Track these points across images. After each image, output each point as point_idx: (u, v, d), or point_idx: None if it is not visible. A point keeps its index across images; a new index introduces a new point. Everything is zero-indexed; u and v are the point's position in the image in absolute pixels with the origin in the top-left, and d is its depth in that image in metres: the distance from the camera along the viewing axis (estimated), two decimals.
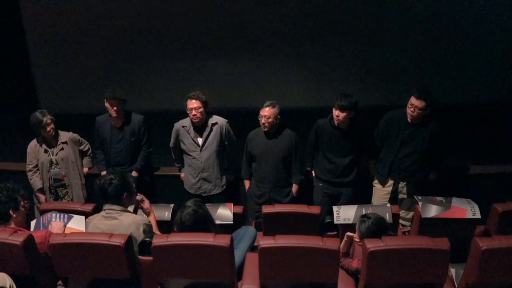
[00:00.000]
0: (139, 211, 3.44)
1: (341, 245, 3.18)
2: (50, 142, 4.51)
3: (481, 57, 6.14)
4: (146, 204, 3.37)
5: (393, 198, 4.34)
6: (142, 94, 6.33)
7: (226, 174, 4.53)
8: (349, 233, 3.21)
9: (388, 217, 3.54)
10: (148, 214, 3.37)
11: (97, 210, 3.43)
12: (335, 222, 3.63)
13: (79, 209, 3.50)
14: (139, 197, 3.36)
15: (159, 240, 2.75)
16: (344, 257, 3.22)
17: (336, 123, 4.13)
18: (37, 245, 2.86)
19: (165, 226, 3.43)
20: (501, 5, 6.00)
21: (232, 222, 3.69)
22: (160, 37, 6.36)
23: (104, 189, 3.12)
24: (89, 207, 3.53)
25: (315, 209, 3.57)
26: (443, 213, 3.48)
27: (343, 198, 4.33)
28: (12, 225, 3.00)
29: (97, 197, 3.32)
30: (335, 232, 3.74)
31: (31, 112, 4.45)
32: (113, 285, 2.93)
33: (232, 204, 3.85)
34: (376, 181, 4.45)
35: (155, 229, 3.27)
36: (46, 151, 4.50)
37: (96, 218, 3.16)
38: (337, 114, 4.06)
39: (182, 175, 4.64)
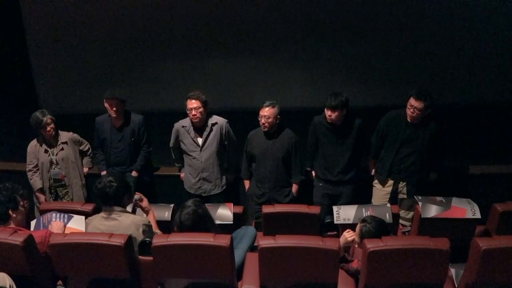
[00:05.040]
0: (138, 210, 3.44)
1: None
2: (50, 142, 4.51)
3: (481, 57, 6.14)
4: (145, 202, 3.37)
5: (393, 198, 4.35)
6: (142, 94, 6.33)
7: (226, 174, 4.53)
8: (349, 231, 3.19)
9: (388, 217, 3.54)
10: (147, 212, 3.37)
11: (97, 210, 3.44)
12: (335, 222, 3.62)
13: (79, 209, 3.51)
14: (137, 196, 3.36)
15: (159, 240, 2.75)
16: (343, 262, 3.18)
17: (329, 121, 4.16)
18: (37, 245, 2.86)
19: (165, 226, 3.43)
20: (501, 5, 6.00)
21: (232, 222, 3.69)
22: (160, 37, 6.35)
23: (105, 193, 3.11)
24: (89, 207, 3.53)
25: (315, 209, 3.57)
26: (443, 213, 3.48)
27: (343, 198, 4.33)
28: (12, 225, 3.01)
29: (97, 200, 3.32)
30: (335, 232, 3.74)
31: (31, 112, 4.45)
32: (113, 285, 2.93)
33: (232, 204, 3.85)
34: (376, 181, 4.45)
35: (154, 227, 3.27)
36: (46, 151, 4.50)
37: (96, 219, 3.16)
38: (329, 114, 4.10)
39: (182, 175, 4.64)
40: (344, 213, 3.63)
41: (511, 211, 3.41)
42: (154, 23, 6.27)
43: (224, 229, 3.45)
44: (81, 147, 4.69)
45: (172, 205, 3.74)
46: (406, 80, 6.00)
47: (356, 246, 3.17)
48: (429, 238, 2.70)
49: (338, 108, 4.05)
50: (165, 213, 3.65)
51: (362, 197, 4.42)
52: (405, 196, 4.32)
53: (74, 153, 4.57)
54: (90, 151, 4.77)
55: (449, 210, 3.49)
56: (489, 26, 6.03)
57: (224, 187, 4.52)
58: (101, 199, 3.16)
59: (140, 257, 2.94)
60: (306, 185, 4.50)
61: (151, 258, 2.82)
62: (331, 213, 3.72)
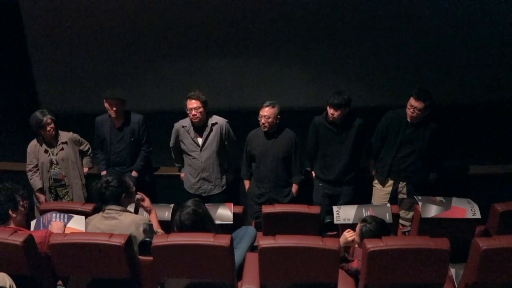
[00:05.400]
0: (140, 209, 3.45)
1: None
2: (50, 142, 4.51)
3: (481, 57, 6.13)
4: (147, 202, 3.37)
5: (393, 198, 4.35)
6: (142, 94, 6.33)
7: (226, 174, 4.53)
8: (349, 231, 3.19)
9: (388, 217, 3.54)
10: (149, 212, 3.37)
11: (97, 210, 3.44)
12: (335, 222, 3.62)
13: (79, 209, 3.51)
14: (139, 195, 3.36)
15: (159, 240, 2.75)
16: (343, 261, 3.19)
17: (331, 120, 4.16)
18: (37, 245, 2.86)
19: (165, 226, 3.43)
20: (500, 5, 6.00)
21: (232, 222, 3.69)
22: (160, 37, 6.35)
23: (102, 193, 3.12)
24: (89, 207, 3.53)
25: (315, 209, 3.57)
26: (443, 213, 3.48)
27: (343, 198, 4.33)
28: (12, 225, 3.01)
29: (96, 200, 3.33)
30: (335, 232, 3.75)
31: (31, 112, 4.45)
32: (113, 285, 2.93)
33: (232, 204, 3.85)
34: (376, 181, 4.45)
35: (156, 227, 3.27)
36: (46, 151, 4.50)
37: (96, 218, 3.16)
38: (332, 113, 4.10)
39: (182, 175, 4.64)
40: (344, 213, 3.63)
41: (511, 211, 3.41)
42: (154, 23, 6.27)
43: (224, 229, 3.46)
44: (81, 147, 4.69)
45: (172, 205, 3.74)
46: (406, 80, 6.00)
47: (356, 246, 3.17)
48: (429, 238, 2.70)
49: (341, 106, 4.05)
50: (165, 213, 3.65)
51: (362, 197, 4.42)
52: (405, 196, 4.32)
53: (74, 153, 4.57)
54: (90, 151, 4.76)
55: (449, 210, 3.49)
56: (489, 26, 6.03)
57: (224, 187, 4.52)
58: (99, 198, 3.17)
59: (140, 257, 2.93)
60: (306, 185, 4.50)
61: (151, 258, 2.82)
62: (331, 213, 3.73)
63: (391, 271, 2.71)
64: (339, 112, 4.07)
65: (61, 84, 6.62)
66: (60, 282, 3.09)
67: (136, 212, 3.44)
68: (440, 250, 2.65)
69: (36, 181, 4.53)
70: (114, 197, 3.13)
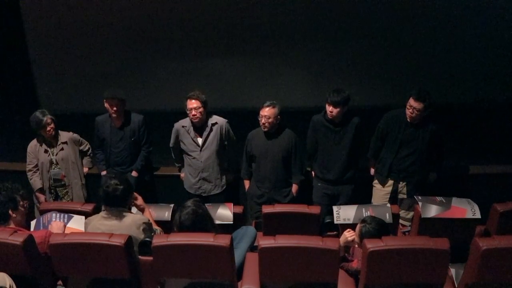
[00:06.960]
0: (133, 208, 3.44)
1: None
2: (50, 142, 4.51)
3: (481, 57, 6.14)
4: (140, 201, 3.36)
5: (393, 198, 4.35)
6: (142, 94, 6.34)
7: (226, 174, 4.53)
8: (349, 231, 3.19)
9: (388, 217, 3.54)
10: (142, 210, 3.36)
11: (97, 210, 3.44)
12: (335, 222, 3.63)
13: (79, 209, 3.51)
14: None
15: (159, 240, 2.75)
16: (343, 261, 3.19)
17: (329, 118, 4.16)
18: (37, 245, 2.86)
19: (165, 226, 3.43)
20: (500, 4, 6.00)
21: (232, 222, 3.69)
22: (160, 37, 6.36)
23: (115, 195, 3.07)
24: (89, 207, 3.54)
25: (315, 209, 3.57)
26: (443, 213, 3.48)
27: (343, 197, 4.33)
28: (12, 225, 3.01)
29: (100, 200, 3.31)
30: (335, 232, 3.75)
31: (31, 112, 4.45)
32: (113, 285, 2.93)
33: (232, 204, 3.86)
34: (376, 181, 4.45)
35: (153, 224, 3.26)
36: (46, 151, 4.50)
37: (96, 219, 3.16)
38: (331, 110, 4.10)
39: (182, 175, 4.64)
40: (344, 213, 3.63)
41: (511, 211, 3.41)
42: (154, 23, 6.28)
43: (224, 229, 3.46)
44: (81, 147, 4.69)
45: (172, 205, 3.74)
46: (406, 80, 6.00)
47: (356, 246, 3.18)
48: (429, 238, 2.70)
49: (340, 104, 4.06)
50: (165, 213, 3.65)
51: (362, 197, 4.42)
52: (405, 196, 4.32)
53: (74, 153, 4.57)
54: (90, 151, 4.76)
55: (449, 210, 3.49)
56: (489, 26, 6.04)
57: (224, 187, 4.52)
58: (109, 201, 3.12)
59: (140, 257, 2.94)
60: (306, 185, 4.50)
61: (151, 258, 2.82)
62: (331, 213, 3.73)
63: (391, 271, 2.71)
64: (338, 109, 4.07)
65: (61, 84, 6.62)
66: (60, 282, 3.09)
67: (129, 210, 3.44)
68: (440, 250, 2.65)
69: (36, 181, 4.53)
70: (124, 199, 3.12)
